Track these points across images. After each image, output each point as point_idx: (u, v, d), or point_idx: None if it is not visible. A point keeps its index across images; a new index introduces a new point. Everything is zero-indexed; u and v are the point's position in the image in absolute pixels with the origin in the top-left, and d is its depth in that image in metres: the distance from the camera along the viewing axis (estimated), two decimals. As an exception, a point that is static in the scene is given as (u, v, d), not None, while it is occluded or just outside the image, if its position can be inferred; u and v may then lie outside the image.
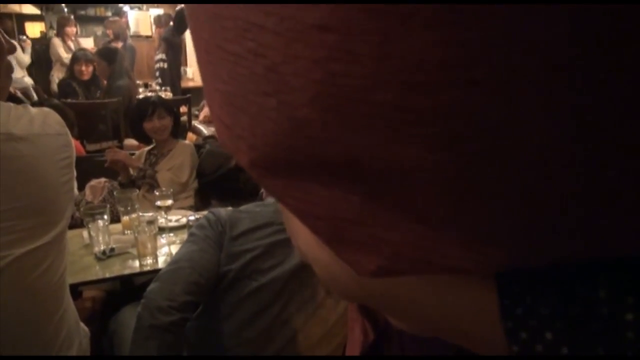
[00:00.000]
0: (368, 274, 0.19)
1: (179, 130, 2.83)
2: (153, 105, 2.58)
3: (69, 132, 1.05)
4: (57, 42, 5.72)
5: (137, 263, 1.74)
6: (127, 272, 1.75)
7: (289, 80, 0.15)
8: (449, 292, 0.20)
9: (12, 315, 0.96)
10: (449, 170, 0.15)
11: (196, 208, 2.49)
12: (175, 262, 1.09)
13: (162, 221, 1.89)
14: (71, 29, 5.93)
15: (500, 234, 0.17)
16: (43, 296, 1.02)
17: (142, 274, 1.79)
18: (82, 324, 1.18)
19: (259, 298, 1.10)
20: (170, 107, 2.66)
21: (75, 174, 1.07)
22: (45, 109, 1.02)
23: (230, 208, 1.20)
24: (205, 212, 1.89)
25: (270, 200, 1.25)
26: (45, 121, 0.99)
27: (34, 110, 0.98)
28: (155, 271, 1.78)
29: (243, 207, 1.23)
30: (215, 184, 2.81)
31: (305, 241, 0.25)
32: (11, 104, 0.96)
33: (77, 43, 5.94)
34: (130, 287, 2.16)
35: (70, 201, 1.06)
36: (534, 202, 0.15)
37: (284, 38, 0.15)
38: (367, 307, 0.36)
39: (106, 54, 3.94)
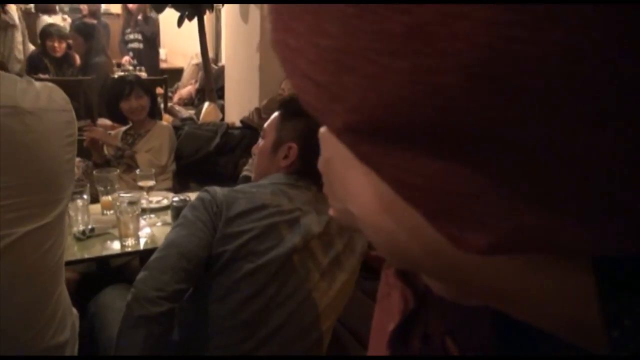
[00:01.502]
0: (474, 250, 0.19)
1: (157, 110, 2.76)
2: (130, 85, 2.51)
3: (72, 109, 1.01)
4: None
5: (117, 244, 1.69)
6: (107, 253, 1.70)
7: (440, 42, 0.14)
8: (540, 270, 0.20)
9: (14, 295, 0.94)
10: (601, 155, 0.14)
11: (174, 190, 2.44)
12: (163, 249, 1.07)
13: (143, 202, 1.84)
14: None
15: (620, 217, 0.16)
16: (44, 276, 1.00)
17: (122, 255, 1.75)
18: (73, 307, 1.16)
19: (254, 280, 1.09)
20: (147, 87, 2.59)
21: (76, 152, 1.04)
22: (49, 84, 0.98)
23: (226, 188, 1.18)
24: (189, 194, 1.87)
25: (264, 181, 1.23)
26: (51, 96, 0.95)
27: (38, 84, 0.95)
28: (137, 252, 1.75)
29: (239, 187, 1.20)
30: (193, 166, 2.77)
31: (365, 207, 0.24)
32: (15, 76, 0.92)
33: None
34: (107, 269, 2.12)
35: (72, 180, 1.04)
36: None
37: None
38: (406, 274, 0.36)
39: (83, 30, 3.81)
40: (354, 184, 0.25)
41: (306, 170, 1.23)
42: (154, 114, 2.67)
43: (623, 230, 0.17)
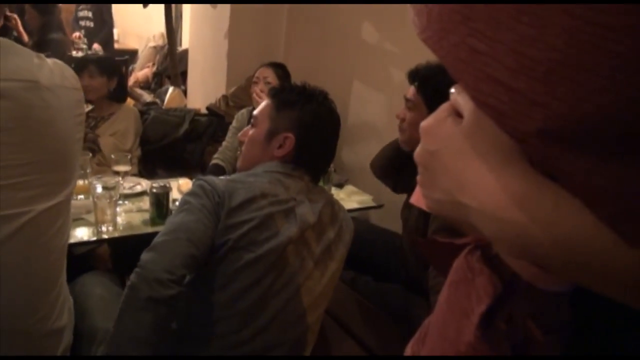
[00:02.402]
0: None
1: (124, 95, 2.64)
2: (83, 62, 2.41)
3: (81, 88, 0.98)
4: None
5: (91, 230, 1.64)
6: (78, 239, 1.65)
7: None
8: None
9: (28, 276, 0.91)
10: None
11: (140, 176, 2.38)
12: (171, 232, 1.05)
13: (117, 188, 1.79)
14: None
15: None
16: (55, 255, 0.97)
17: (97, 242, 1.70)
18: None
19: (254, 269, 1.10)
20: (105, 67, 2.45)
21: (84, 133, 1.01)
22: (59, 62, 0.95)
23: (222, 177, 1.18)
24: (170, 180, 1.83)
25: (258, 170, 1.24)
26: (63, 74, 0.92)
27: (49, 60, 0.91)
28: (112, 239, 1.70)
29: (235, 177, 1.20)
30: (160, 152, 2.71)
31: (491, 201, 0.26)
32: (30, 51, 0.88)
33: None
34: (70, 257, 2.04)
35: (78, 162, 1.00)
36: None
37: None
38: (494, 260, 0.39)
39: (38, 4, 3.56)
40: (474, 179, 0.26)
41: (302, 160, 1.25)
42: (121, 98, 2.56)
43: None
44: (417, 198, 0.37)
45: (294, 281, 1.16)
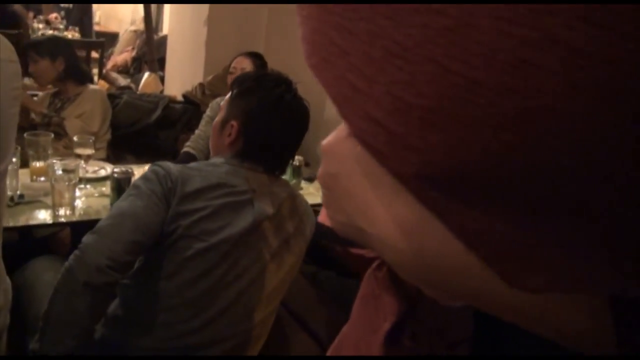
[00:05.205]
0: (527, 289, 0.20)
1: (81, 73, 2.49)
2: (24, 50, 2.30)
3: (18, 60, 0.93)
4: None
5: (48, 213, 1.60)
6: (35, 222, 1.60)
7: (567, 132, 0.15)
8: (560, 298, 0.22)
9: None
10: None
11: (109, 161, 2.33)
12: (116, 216, 1.02)
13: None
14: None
15: None
16: None
17: (53, 225, 1.66)
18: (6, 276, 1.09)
19: (205, 258, 1.07)
20: (45, 49, 2.34)
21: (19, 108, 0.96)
22: None
23: (181, 165, 1.15)
24: (132, 166, 1.79)
25: (218, 160, 1.21)
26: None
27: None
28: (69, 223, 1.65)
29: (193, 165, 1.17)
30: (131, 138, 2.65)
31: (383, 229, 0.25)
32: None
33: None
34: (30, 240, 1.99)
35: (13, 138, 0.96)
36: None
37: (584, 95, 0.14)
38: (399, 278, 0.38)
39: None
40: (370, 205, 0.25)
41: (250, 151, 1.19)
42: (79, 77, 2.45)
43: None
44: (324, 217, 0.36)
45: (247, 274, 1.14)
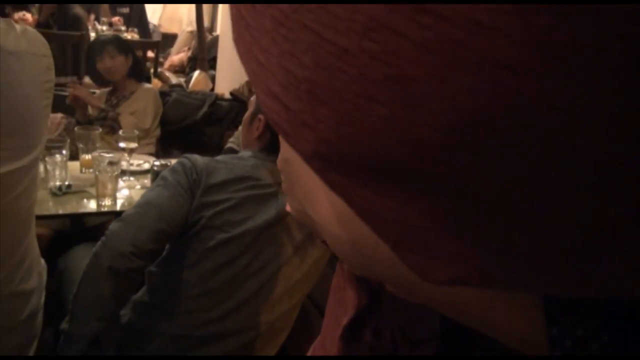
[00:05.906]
0: (437, 283, 0.19)
1: (140, 71, 2.66)
2: (102, 44, 2.46)
3: (51, 55, 1.00)
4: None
5: (93, 203, 1.68)
6: (82, 210, 1.69)
7: (422, 98, 0.14)
8: (495, 294, 0.21)
9: None
10: (574, 211, 0.15)
11: (157, 156, 2.42)
12: (143, 205, 1.06)
13: (123, 164, 1.83)
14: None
15: (572, 260, 0.17)
16: (15, 220, 0.99)
17: (97, 214, 1.75)
18: (41, 258, 1.15)
19: (227, 250, 1.09)
20: (123, 46, 2.50)
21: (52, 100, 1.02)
22: (29, 28, 0.97)
23: (206, 157, 1.18)
24: (171, 159, 1.85)
25: (246, 153, 1.23)
26: (31, 40, 0.94)
27: (18, 26, 0.93)
28: (112, 213, 1.73)
29: (219, 158, 1.20)
30: (179, 133, 2.74)
31: (322, 215, 0.25)
32: None
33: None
34: (81, 228, 2.10)
35: (46, 127, 1.02)
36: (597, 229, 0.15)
37: (435, 58, 0.13)
38: None
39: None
40: (313, 192, 0.25)
41: (274, 145, 1.20)
42: (138, 75, 2.60)
43: (572, 276, 0.17)
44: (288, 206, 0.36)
45: (270, 266, 1.15)
